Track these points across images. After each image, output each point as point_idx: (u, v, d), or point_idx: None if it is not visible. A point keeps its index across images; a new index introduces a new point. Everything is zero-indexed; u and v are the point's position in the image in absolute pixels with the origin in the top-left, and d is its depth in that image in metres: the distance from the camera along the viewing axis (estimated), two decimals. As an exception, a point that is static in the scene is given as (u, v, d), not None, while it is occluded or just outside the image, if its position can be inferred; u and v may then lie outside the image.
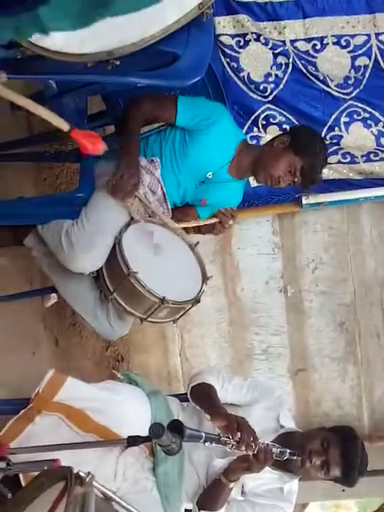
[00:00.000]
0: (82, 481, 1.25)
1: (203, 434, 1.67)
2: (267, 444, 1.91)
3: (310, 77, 2.66)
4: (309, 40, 2.59)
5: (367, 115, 2.80)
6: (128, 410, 1.99)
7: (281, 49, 2.60)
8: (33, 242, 2.29)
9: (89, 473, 1.26)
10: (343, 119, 2.78)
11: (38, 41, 1.27)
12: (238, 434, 1.81)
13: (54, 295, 2.75)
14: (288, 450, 1.97)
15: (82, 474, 1.25)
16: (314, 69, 2.64)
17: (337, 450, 2.09)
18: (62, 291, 2.29)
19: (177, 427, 1.56)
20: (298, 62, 2.62)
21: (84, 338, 3.04)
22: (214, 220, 2.25)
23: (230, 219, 2.23)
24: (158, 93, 2.33)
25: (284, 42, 2.59)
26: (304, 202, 2.98)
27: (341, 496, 3.27)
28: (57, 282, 2.28)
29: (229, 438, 1.78)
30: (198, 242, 2.35)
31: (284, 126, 2.77)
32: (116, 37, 1.27)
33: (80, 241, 2.07)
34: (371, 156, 2.90)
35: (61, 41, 1.26)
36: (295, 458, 2.01)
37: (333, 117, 2.78)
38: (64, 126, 1.34)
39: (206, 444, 1.69)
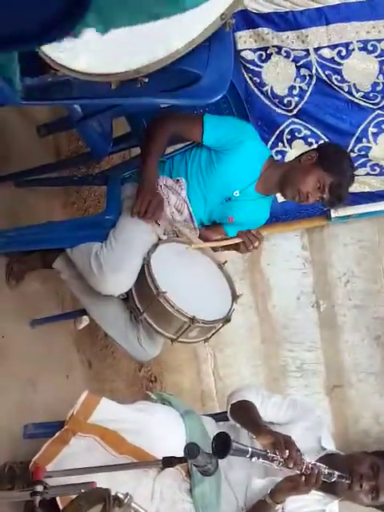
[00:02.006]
0: (121, 502, 1.25)
1: (250, 448, 1.65)
2: (315, 464, 1.86)
3: (335, 87, 2.62)
4: (333, 47, 2.54)
5: (396, 125, 2.75)
6: (162, 430, 1.98)
7: (304, 60, 2.57)
8: (61, 265, 2.31)
9: (127, 494, 1.27)
10: (371, 130, 2.73)
11: (68, 63, 1.28)
12: (286, 451, 1.78)
13: (85, 317, 2.76)
14: (336, 472, 1.92)
15: (120, 495, 1.26)
16: (339, 78, 2.60)
17: None
18: (93, 314, 2.30)
19: (224, 440, 1.55)
20: (322, 73, 2.59)
21: (117, 359, 3.05)
22: (237, 240, 2.21)
23: (256, 241, 2.18)
24: (182, 111, 2.34)
25: (308, 50, 2.54)
26: (333, 215, 2.96)
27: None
28: (87, 304, 2.30)
29: (276, 454, 1.76)
30: (226, 261, 2.34)
31: (309, 140, 2.75)
32: (143, 54, 1.27)
33: (109, 263, 2.08)
34: (400, 167, 2.85)
35: (90, 62, 1.28)
36: (344, 480, 1.96)
37: (360, 128, 2.73)
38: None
39: (253, 459, 1.67)
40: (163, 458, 1.64)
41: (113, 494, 1.24)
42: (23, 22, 0.78)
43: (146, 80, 1.39)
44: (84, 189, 3.08)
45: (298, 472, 1.81)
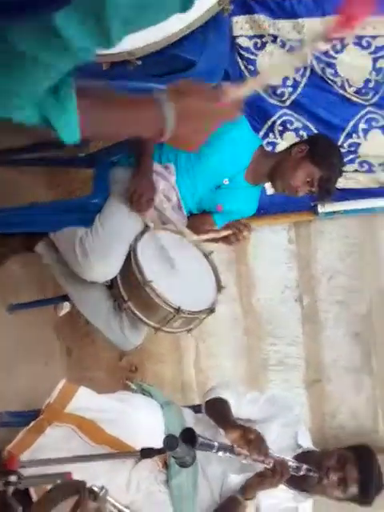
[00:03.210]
0: (96, 495, 1.23)
1: (216, 443, 1.66)
2: (282, 458, 1.89)
3: (329, 81, 2.62)
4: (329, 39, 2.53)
5: (387, 122, 2.74)
6: (141, 421, 1.98)
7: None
8: (44, 249, 2.27)
9: (102, 487, 1.25)
10: (362, 126, 2.73)
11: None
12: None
13: (66, 304, 2.72)
14: (304, 466, 1.95)
15: (95, 488, 1.23)
16: (332, 72, 2.60)
17: (354, 467, 2.07)
18: (75, 300, 2.27)
19: (189, 435, 1.55)
20: (317, 66, 2.58)
21: (97, 347, 3.01)
22: (227, 232, 2.20)
23: (245, 231, 2.18)
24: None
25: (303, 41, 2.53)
26: (320, 210, 2.95)
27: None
28: (70, 290, 2.26)
29: (242, 448, 1.77)
30: (212, 251, 2.32)
31: (301, 133, 2.74)
32: (138, 37, 1.24)
33: (94, 249, 2.05)
34: (388, 165, 2.85)
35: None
36: (312, 474, 1.99)
37: (351, 123, 2.73)
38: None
39: (220, 454, 1.68)
40: (142, 449, 1.63)
41: (88, 486, 1.22)
42: None
43: (139, 63, 1.38)
44: (71, 171, 3.01)
45: (268, 467, 1.83)
